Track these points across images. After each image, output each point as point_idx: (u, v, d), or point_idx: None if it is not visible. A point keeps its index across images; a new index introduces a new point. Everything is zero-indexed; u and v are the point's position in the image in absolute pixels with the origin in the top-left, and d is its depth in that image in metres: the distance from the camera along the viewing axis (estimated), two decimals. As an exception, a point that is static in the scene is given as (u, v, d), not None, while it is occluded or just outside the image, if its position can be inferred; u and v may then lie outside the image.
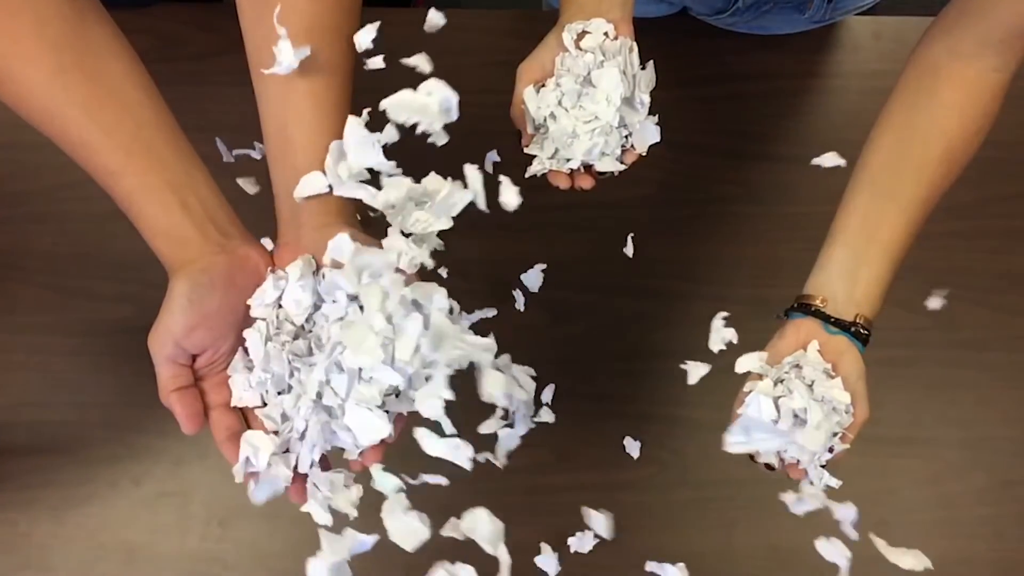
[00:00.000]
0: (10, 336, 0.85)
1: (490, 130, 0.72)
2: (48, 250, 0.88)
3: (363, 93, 0.64)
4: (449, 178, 0.52)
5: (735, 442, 0.62)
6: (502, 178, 0.50)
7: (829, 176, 0.89)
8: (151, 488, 0.80)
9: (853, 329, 0.63)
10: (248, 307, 0.55)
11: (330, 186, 0.55)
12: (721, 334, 0.69)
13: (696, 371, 0.70)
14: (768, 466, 0.64)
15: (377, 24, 0.54)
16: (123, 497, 0.79)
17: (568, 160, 0.65)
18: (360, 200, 0.54)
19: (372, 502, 0.53)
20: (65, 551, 0.78)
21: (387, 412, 0.54)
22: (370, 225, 0.57)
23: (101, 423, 0.82)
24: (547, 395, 0.82)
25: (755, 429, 0.62)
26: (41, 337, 0.85)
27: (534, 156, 0.67)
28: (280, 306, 0.56)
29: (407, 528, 0.51)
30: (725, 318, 0.69)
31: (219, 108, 0.92)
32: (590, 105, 0.63)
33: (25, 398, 0.83)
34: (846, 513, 0.63)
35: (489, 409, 0.58)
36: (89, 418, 0.82)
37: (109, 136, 0.52)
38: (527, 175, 0.67)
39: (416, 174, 0.52)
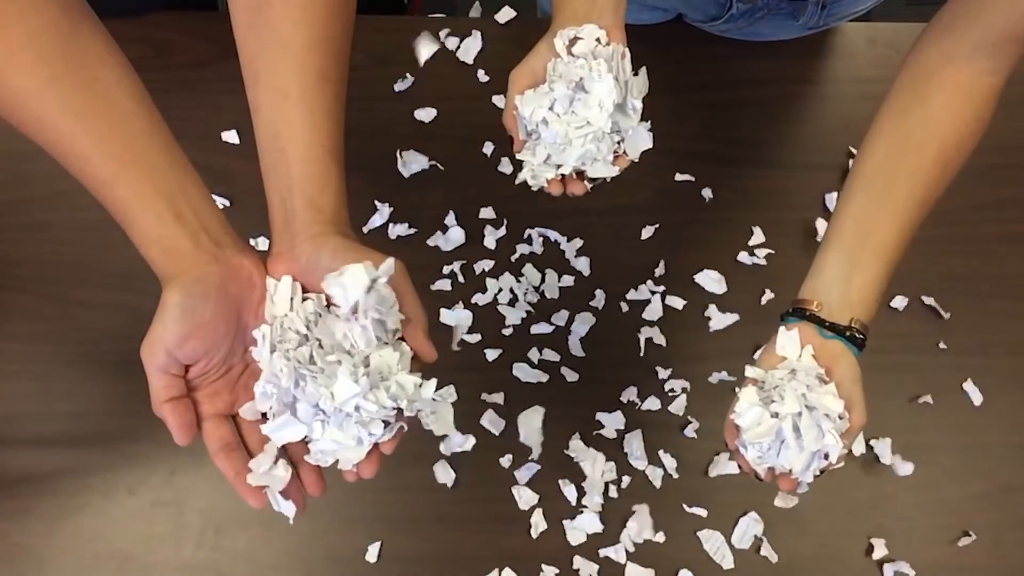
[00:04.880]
0: (3, 345, 0.85)
1: (484, 135, 0.72)
2: (41, 259, 0.88)
3: (357, 102, 0.64)
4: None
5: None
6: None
7: (824, 181, 0.89)
8: (146, 497, 0.79)
9: (848, 333, 0.63)
10: (241, 317, 0.55)
11: None
12: None
13: None
14: (756, 476, 0.63)
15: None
16: (117, 506, 0.79)
17: (560, 166, 0.65)
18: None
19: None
20: (59, 561, 0.77)
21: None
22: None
23: (95, 432, 0.81)
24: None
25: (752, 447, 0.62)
26: (34, 346, 0.85)
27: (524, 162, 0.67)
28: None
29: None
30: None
31: (213, 117, 0.92)
32: (582, 111, 0.63)
33: (18, 407, 0.82)
34: None
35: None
36: (83, 427, 0.82)
37: (102, 146, 0.52)
38: (517, 182, 0.67)
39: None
